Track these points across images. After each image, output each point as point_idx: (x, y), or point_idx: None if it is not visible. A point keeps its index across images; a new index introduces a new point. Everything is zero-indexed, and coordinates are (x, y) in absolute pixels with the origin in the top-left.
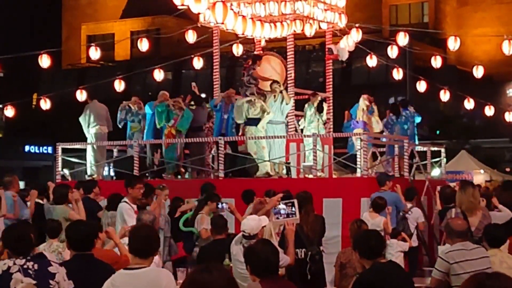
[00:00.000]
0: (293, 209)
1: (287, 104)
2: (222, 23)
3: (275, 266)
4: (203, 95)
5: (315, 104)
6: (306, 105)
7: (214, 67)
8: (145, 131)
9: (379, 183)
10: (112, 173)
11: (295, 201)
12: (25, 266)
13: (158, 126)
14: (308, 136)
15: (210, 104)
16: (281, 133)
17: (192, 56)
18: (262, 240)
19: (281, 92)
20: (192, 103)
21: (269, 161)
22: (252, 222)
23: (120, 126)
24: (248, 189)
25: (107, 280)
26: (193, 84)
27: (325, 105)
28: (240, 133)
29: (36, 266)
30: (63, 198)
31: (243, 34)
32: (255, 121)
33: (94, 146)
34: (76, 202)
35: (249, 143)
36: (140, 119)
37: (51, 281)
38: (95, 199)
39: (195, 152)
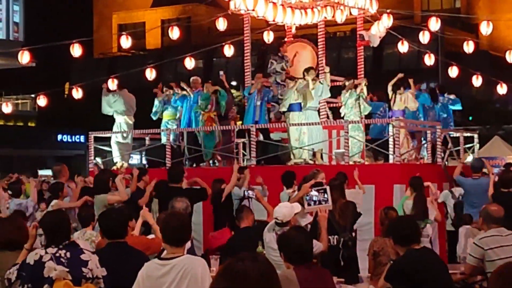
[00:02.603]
0: (326, 195)
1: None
2: (253, 10)
3: (309, 253)
4: (233, 83)
5: (358, 91)
6: (346, 93)
7: (245, 55)
8: (182, 119)
9: (475, 169)
10: (144, 162)
11: (327, 187)
12: (57, 255)
13: (201, 112)
14: (351, 122)
15: (245, 92)
16: (315, 120)
17: (223, 44)
18: (295, 227)
19: (316, 78)
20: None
21: (301, 148)
22: (284, 209)
23: (154, 118)
24: (289, 171)
25: (140, 270)
26: (221, 73)
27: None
28: (272, 120)
29: (68, 254)
30: (103, 184)
31: (273, 21)
32: (296, 107)
33: (124, 135)
34: (119, 185)
35: (291, 129)
36: (176, 106)
37: (83, 269)
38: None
39: (223, 140)
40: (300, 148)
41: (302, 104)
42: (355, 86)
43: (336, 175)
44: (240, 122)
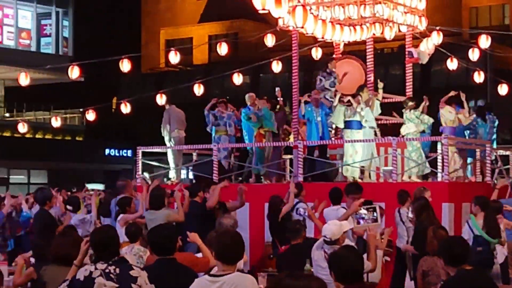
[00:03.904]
0: (375, 214)
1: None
2: (302, 27)
3: (359, 272)
4: (280, 99)
5: (421, 109)
6: (408, 111)
7: (293, 71)
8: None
9: None
10: (191, 177)
11: (377, 206)
12: (106, 271)
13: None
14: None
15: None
16: (370, 137)
17: (271, 60)
18: (346, 246)
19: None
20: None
21: (348, 165)
22: (333, 227)
23: (209, 130)
24: (336, 187)
25: (191, 286)
26: (277, 89)
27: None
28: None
29: (117, 270)
30: (159, 200)
31: (322, 38)
32: (351, 124)
33: (174, 150)
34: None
35: (346, 146)
36: (225, 122)
37: (133, 285)
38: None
39: (273, 156)
40: (348, 165)
41: (362, 122)
42: (417, 105)
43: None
44: (288, 138)
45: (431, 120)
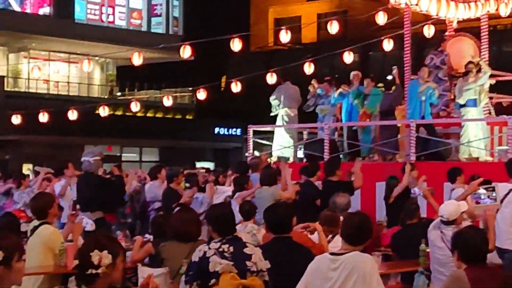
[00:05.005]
0: (494, 194)
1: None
2: (416, 5)
3: (484, 253)
4: (389, 77)
5: None
6: None
7: (405, 49)
8: (344, 113)
9: None
10: (300, 155)
11: (496, 186)
12: (220, 249)
13: (369, 111)
14: None
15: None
16: (480, 116)
17: (383, 37)
18: (472, 226)
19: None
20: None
21: (466, 144)
22: (451, 207)
23: (307, 110)
24: (456, 167)
25: (311, 263)
26: (394, 68)
27: None
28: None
29: (231, 249)
30: (270, 179)
31: (436, 15)
32: (472, 102)
33: (285, 128)
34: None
35: (469, 126)
36: (330, 101)
37: (247, 262)
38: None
39: (385, 135)
40: (461, 144)
41: (477, 100)
42: None
43: None
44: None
45: None
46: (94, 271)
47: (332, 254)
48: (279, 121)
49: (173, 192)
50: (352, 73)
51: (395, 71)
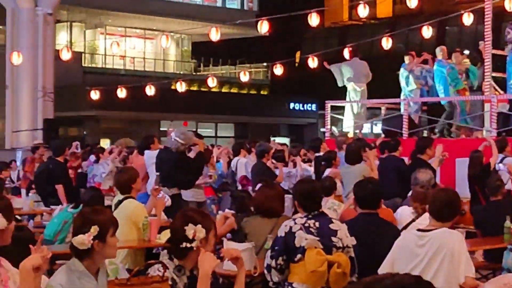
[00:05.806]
0: None
1: None
2: None
3: None
4: (466, 52)
5: None
6: None
7: (486, 23)
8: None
9: None
10: (375, 131)
11: None
12: (306, 225)
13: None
14: None
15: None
16: None
17: (462, 12)
18: None
19: None
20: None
21: None
22: None
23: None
24: None
25: (398, 239)
26: (481, 43)
27: None
28: None
29: (317, 224)
30: (356, 155)
31: None
32: None
33: (357, 104)
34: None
35: None
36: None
37: (333, 238)
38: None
39: (470, 111)
40: None
41: None
42: None
43: None
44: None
45: None
46: (188, 245)
47: (419, 230)
48: (347, 97)
49: (262, 167)
50: (439, 47)
51: (481, 45)
